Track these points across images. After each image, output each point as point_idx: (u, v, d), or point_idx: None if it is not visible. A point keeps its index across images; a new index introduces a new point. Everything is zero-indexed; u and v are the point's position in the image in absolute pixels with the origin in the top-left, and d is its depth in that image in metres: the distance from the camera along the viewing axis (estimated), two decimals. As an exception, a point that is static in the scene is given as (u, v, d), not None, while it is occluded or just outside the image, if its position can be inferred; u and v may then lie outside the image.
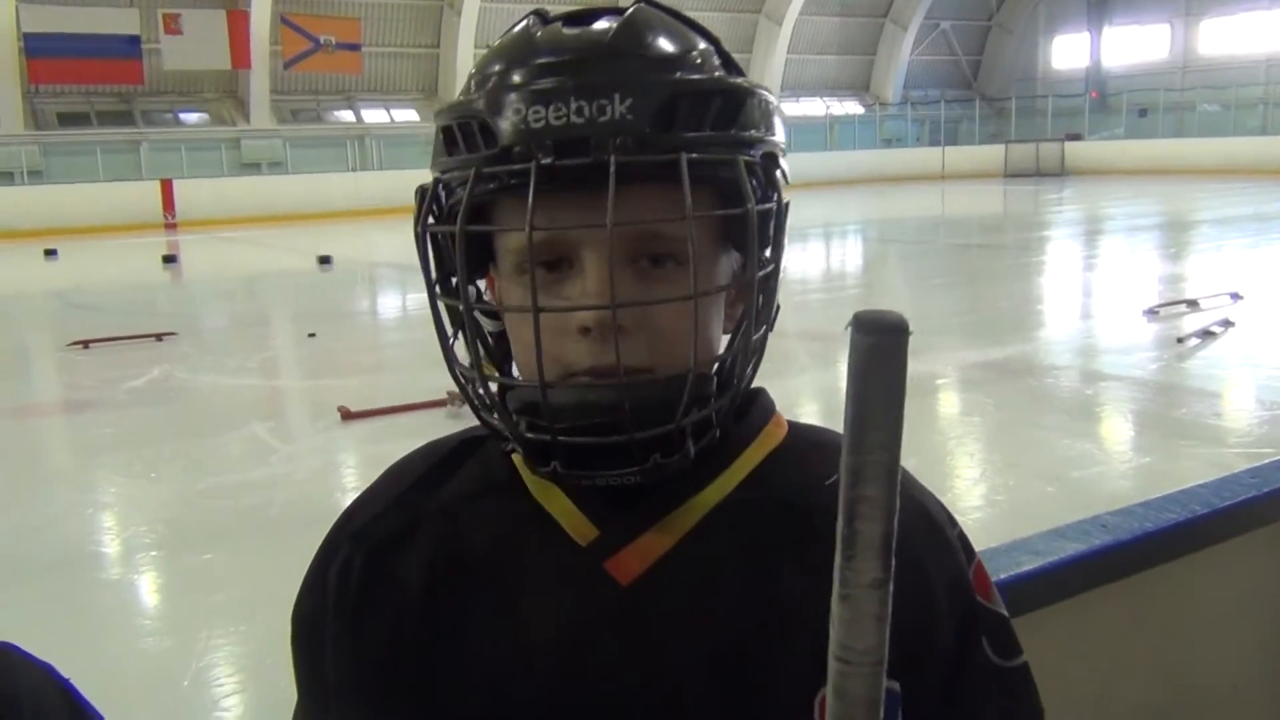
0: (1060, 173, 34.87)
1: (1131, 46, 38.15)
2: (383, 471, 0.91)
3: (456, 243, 0.73)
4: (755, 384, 0.83)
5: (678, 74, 0.74)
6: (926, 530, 0.82)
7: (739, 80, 0.76)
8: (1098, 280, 13.26)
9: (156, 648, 3.95)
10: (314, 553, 0.89)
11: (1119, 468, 5.63)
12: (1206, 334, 8.42)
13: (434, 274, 0.79)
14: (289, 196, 26.36)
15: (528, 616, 0.78)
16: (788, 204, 0.79)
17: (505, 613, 0.79)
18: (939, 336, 9.51)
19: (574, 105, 0.70)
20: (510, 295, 0.79)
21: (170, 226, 24.78)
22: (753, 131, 0.75)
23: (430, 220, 0.79)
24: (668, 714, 0.75)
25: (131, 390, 8.00)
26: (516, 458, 0.82)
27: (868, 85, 39.77)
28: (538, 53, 0.74)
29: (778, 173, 0.78)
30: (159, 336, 9.88)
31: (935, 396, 7.47)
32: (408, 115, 31.57)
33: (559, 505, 0.80)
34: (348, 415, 6.78)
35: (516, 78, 0.73)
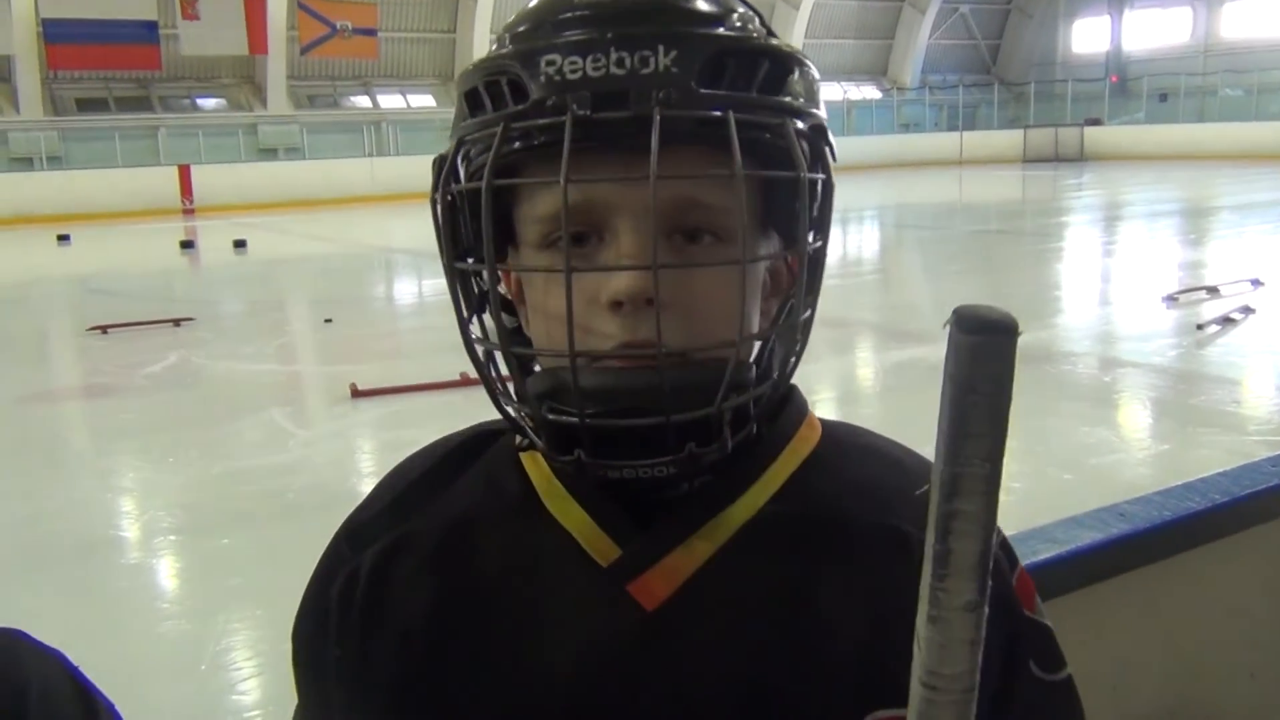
0: (1079, 158, 34.62)
1: (1152, 30, 37.78)
2: (383, 478, 0.86)
3: (482, 201, 0.66)
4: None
5: (724, 30, 0.69)
6: None
7: (787, 46, 0.70)
8: (1117, 266, 13.17)
9: (174, 631, 3.97)
10: (330, 537, 0.84)
11: (1137, 455, 5.60)
12: (1227, 321, 8.36)
13: (447, 243, 0.73)
14: (306, 182, 26.43)
15: (545, 642, 0.72)
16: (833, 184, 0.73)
17: (521, 638, 0.73)
18: (956, 323, 9.49)
19: (614, 56, 0.64)
20: (530, 282, 0.74)
21: (188, 212, 24.89)
22: (801, 100, 0.70)
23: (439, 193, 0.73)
24: None
25: (150, 375, 8.05)
26: (530, 463, 0.78)
27: (885, 70, 39.54)
28: (575, 5, 0.69)
29: (826, 148, 0.72)
30: (177, 322, 9.92)
31: (952, 383, 7.44)
32: (424, 100, 31.56)
33: (576, 520, 0.74)
34: (356, 393, 6.87)
35: (551, 30, 0.68)
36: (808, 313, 0.73)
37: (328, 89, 30.64)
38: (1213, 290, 9.63)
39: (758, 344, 0.76)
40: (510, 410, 0.73)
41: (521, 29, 0.71)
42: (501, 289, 0.77)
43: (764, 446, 0.75)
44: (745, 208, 0.66)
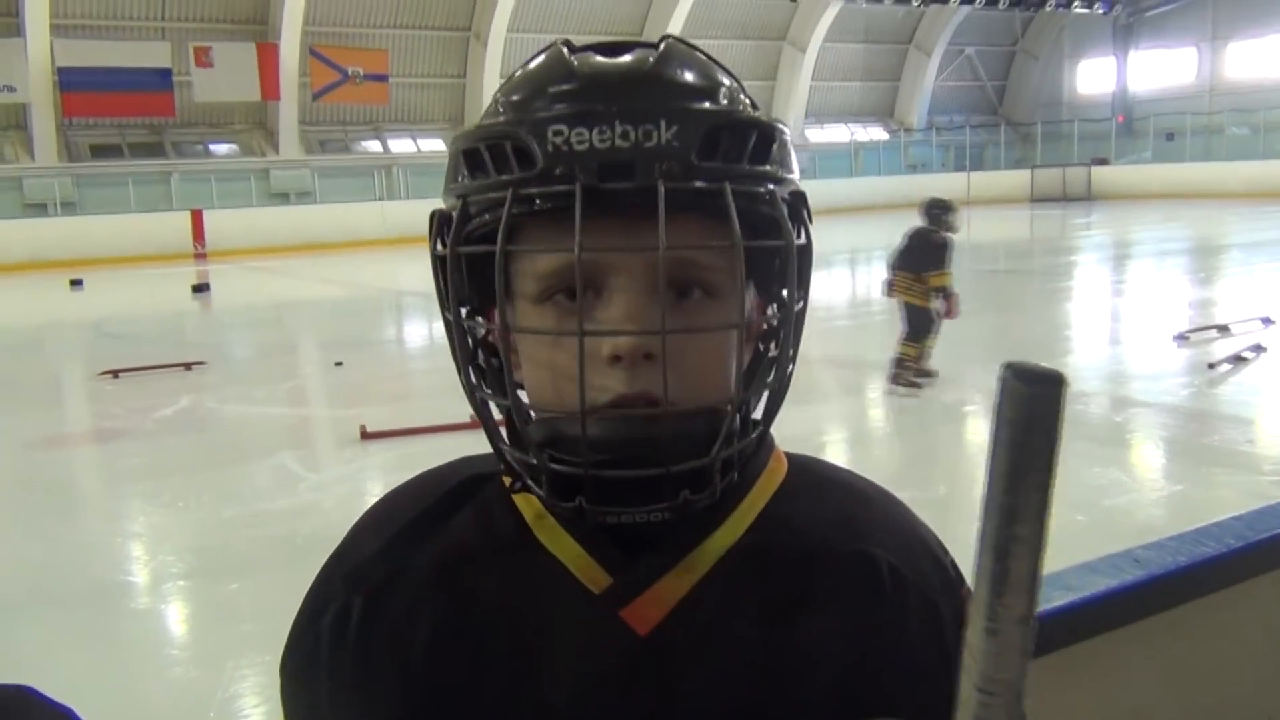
0: (1087, 197, 34.69)
1: (1158, 70, 37.98)
2: (366, 512, 0.88)
3: (495, 264, 0.70)
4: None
5: (716, 106, 0.74)
6: (934, 568, 0.82)
7: (769, 118, 0.75)
8: (1127, 305, 13.16)
9: (184, 677, 3.96)
10: (309, 592, 0.85)
11: (1150, 496, 5.56)
12: (1238, 359, 8.34)
13: (450, 299, 0.76)
14: (317, 226, 26.59)
15: (542, 669, 0.75)
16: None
17: (518, 666, 0.76)
18: (966, 364, 9.46)
19: (619, 129, 0.69)
20: (527, 324, 0.76)
21: (200, 256, 25.04)
22: (780, 169, 0.75)
23: (440, 246, 0.76)
24: None
25: (161, 419, 8.06)
26: (522, 501, 0.80)
27: (892, 111, 39.78)
28: (577, 77, 0.73)
29: (804, 212, 0.78)
30: (188, 366, 9.96)
31: (963, 424, 7.42)
32: (434, 145, 31.82)
33: (568, 551, 0.77)
34: (366, 435, 6.90)
35: (556, 100, 0.72)
36: (790, 366, 0.78)
37: (339, 134, 30.93)
38: (1224, 329, 9.61)
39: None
40: (513, 457, 0.75)
41: (521, 95, 0.75)
42: (483, 333, 0.81)
43: (738, 480, 0.79)
44: (741, 273, 0.72)
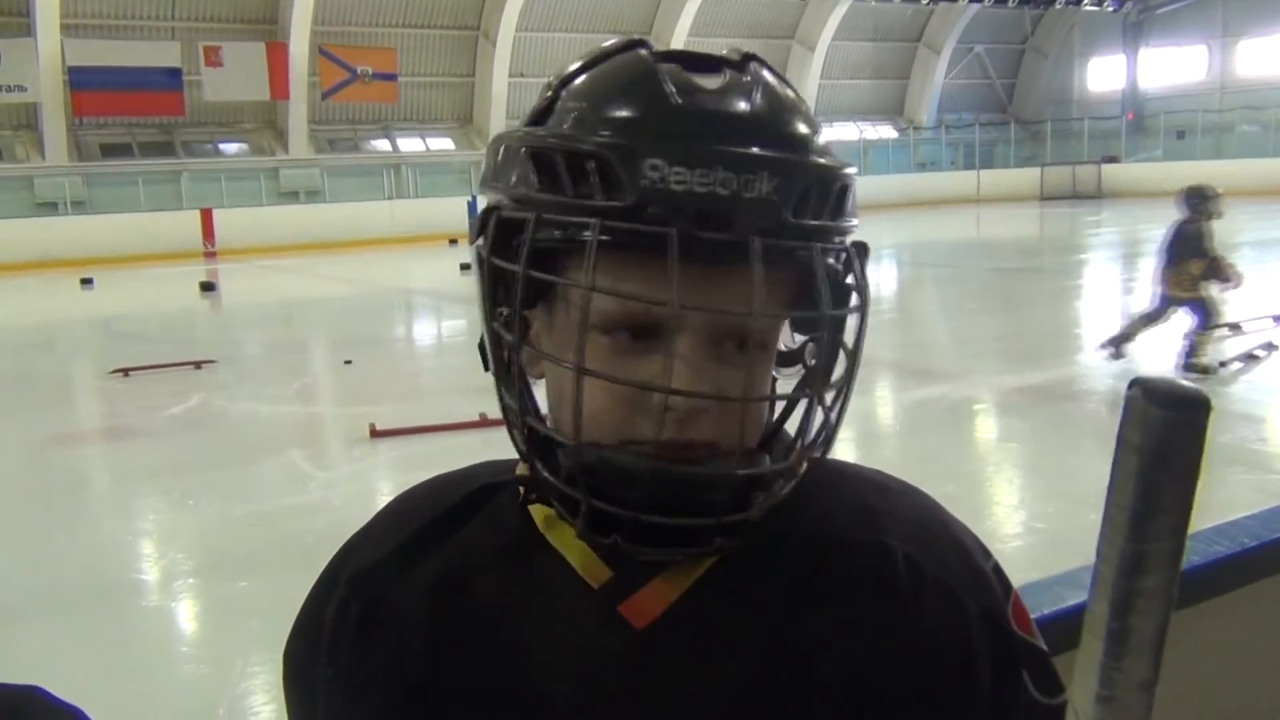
0: (1097, 195, 34.58)
1: (1168, 68, 37.84)
2: (382, 509, 0.87)
3: (580, 304, 0.67)
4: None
5: (811, 157, 0.71)
6: (956, 558, 0.78)
7: (850, 168, 0.73)
8: (1137, 303, 13.09)
9: (194, 675, 3.96)
10: (316, 583, 0.86)
11: (1162, 494, 5.53)
12: (1249, 358, 8.31)
13: (514, 321, 0.71)
14: (326, 225, 26.63)
15: (538, 662, 0.74)
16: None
17: (515, 658, 0.75)
18: (976, 361, 9.45)
19: (720, 175, 0.65)
20: (571, 346, 0.70)
21: (210, 255, 25.11)
22: (852, 220, 0.73)
23: (496, 255, 0.71)
24: None
25: (171, 418, 8.08)
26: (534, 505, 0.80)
27: (901, 109, 39.71)
28: (678, 108, 0.68)
29: (863, 263, 0.76)
30: (198, 364, 9.98)
31: (973, 422, 7.40)
32: (443, 144, 31.86)
33: (569, 544, 0.76)
34: (375, 434, 6.90)
35: (654, 129, 0.67)
36: (843, 415, 0.77)
37: (348, 133, 30.98)
38: (1235, 327, 9.56)
39: (774, 417, 0.81)
40: (556, 487, 0.73)
41: (603, 110, 0.70)
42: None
43: None
44: (825, 343, 0.74)
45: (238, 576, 4.83)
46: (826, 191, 0.70)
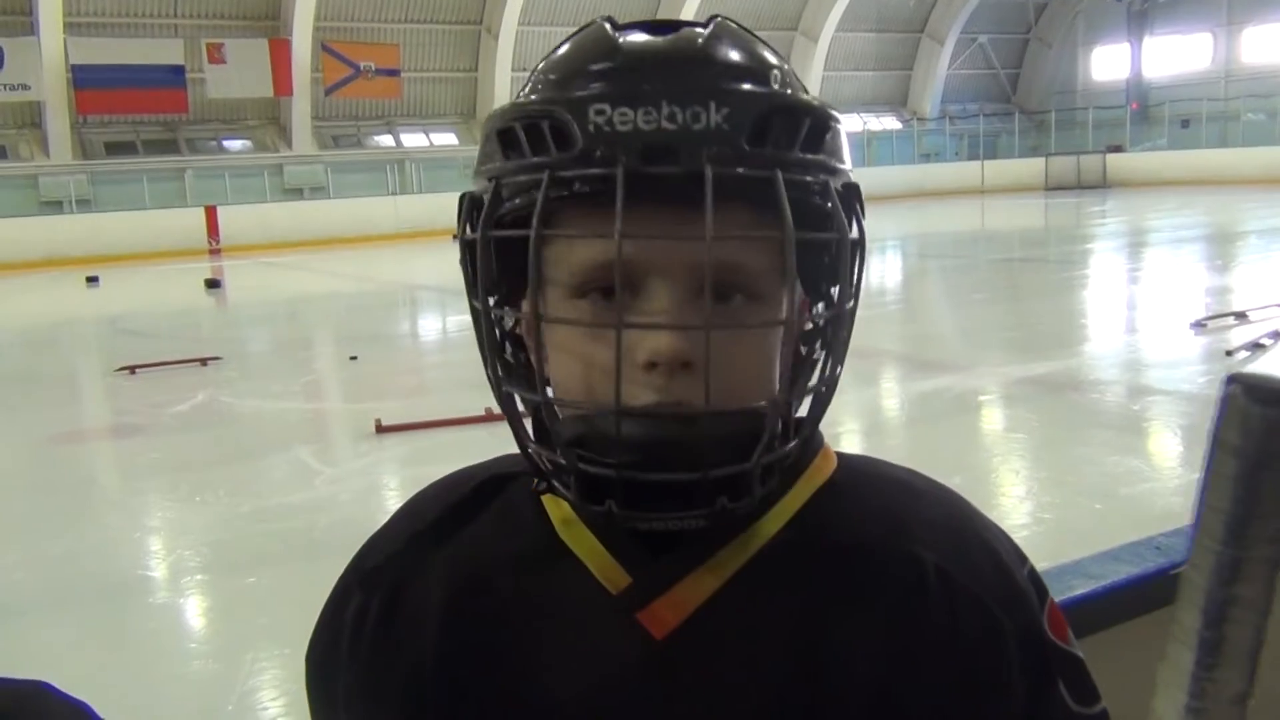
0: (1102, 185, 34.51)
1: (1173, 56, 37.73)
2: (400, 509, 0.86)
3: (529, 250, 0.65)
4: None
5: (769, 89, 0.69)
6: (990, 568, 0.75)
7: (823, 104, 0.70)
8: (1143, 293, 13.09)
9: (202, 671, 3.97)
10: (336, 584, 0.85)
11: (1169, 484, 5.53)
12: (1256, 346, 8.27)
13: (478, 287, 0.71)
14: (331, 221, 26.69)
15: (554, 669, 0.72)
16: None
17: (530, 665, 0.73)
18: (981, 352, 9.44)
19: (666, 110, 0.64)
20: (561, 327, 0.71)
21: (214, 252, 25.17)
22: (834, 159, 0.70)
23: (470, 230, 0.71)
24: None
25: (177, 415, 8.10)
26: (550, 503, 0.77)
27: (905, 100, 39.64)
28: (621, 53, 0.68)
29: (857, 206, 0.72)
30: (204, 361, 10.00)
31: (979, 413, 7.40)
32: (447, 139, 31.88)
33: (587, 548, 0.73)
34: (381, 429, 6.91)
35: (598, 78, 0.67)
36: (838, 369, 0.73)
37: (351, 129, 31.00)
38: (1241, 316, 9.54)
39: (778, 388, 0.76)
40: (537, 457, 0.72)
41: (561, 74, 0.70)
42: (511, 324, 0.77)
43: (780, 479, 0.74)
44: (792, 268, 0.66)
45: (245, 572, 4.84)
46: (794, 123, 0.67)
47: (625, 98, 0.65)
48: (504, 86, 30.67)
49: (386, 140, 31.47)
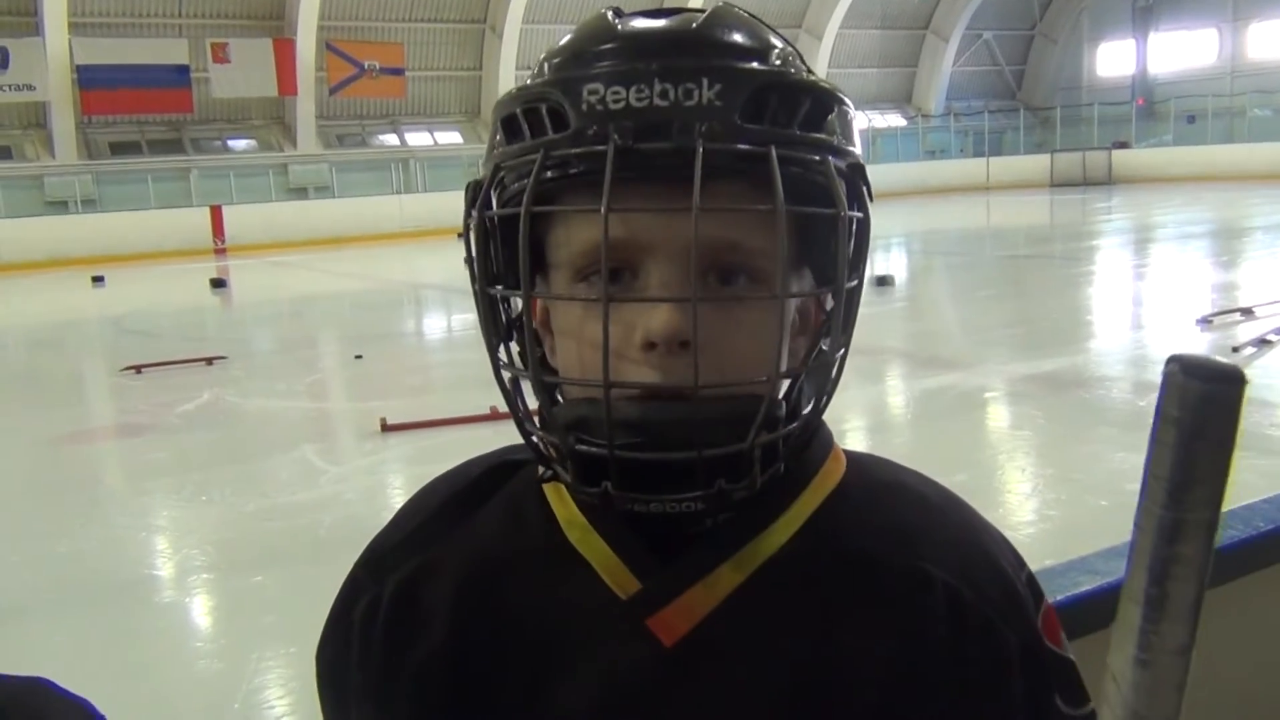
0: (1108, 181, 34.45)
1: (1178, 52, 37.65)
2: (406, 503, 0.86)
3: (520, 226, 0.65)
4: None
5: (766, 67, 0.68)
6: (998, 587, 0.75)
7: (828, 84, 0.70)
8: (1149, 289, 13.06)
9: (208, 670, 3.98)
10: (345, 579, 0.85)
11: (1175, 481, 5.52)
12: (1263, 342, 8.26)
13: (479, 270, 0.71)
14: (335, 220, 26.72)
15: (564, 675, 0.72)
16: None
17: (539, 670, 0.72)
18: (987, 349, 9.42)
19: (658, 87, 0.64)
20: (563, 311, 0.72)
21: (220, 252, 25.21)
22: (838, 139, 0.70)
23: (475, 214, 0.72)
24: None
25: (183, 414, 8.11)
26: (553, 495, 0.76)
27: (910, 97, 39.59)
28: (617, 36, 0.69)
29: (863, 187, 0.72)
30: (209, 360, 10.01)
31: (984, 410, 7.39)
32: (451, 138, 31.89)
33: (597, 552, 0.72)
34: (386, 428, 6.92)
35: (592, 59, 0.68)
36: (842, 350, 0.73)
37: (356, 128, 31.02)
38: (1247, 312, 9.52)
39: (787, 381, 0.75)
40: (536, 439, 0.72)
41: (561, 58, 0.71)
42: (518, 311, 0.77)
43: (789, 480, 0.74)
44: (783, 242, 0.65)
45: (251, 571, 4.84)
46: (792, 101, 0.67)
47: (618, 77, 0.65)
48: (508, 84, 30.46)
49: (391, 139, 31.49)
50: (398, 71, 29.71)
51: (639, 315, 0.67)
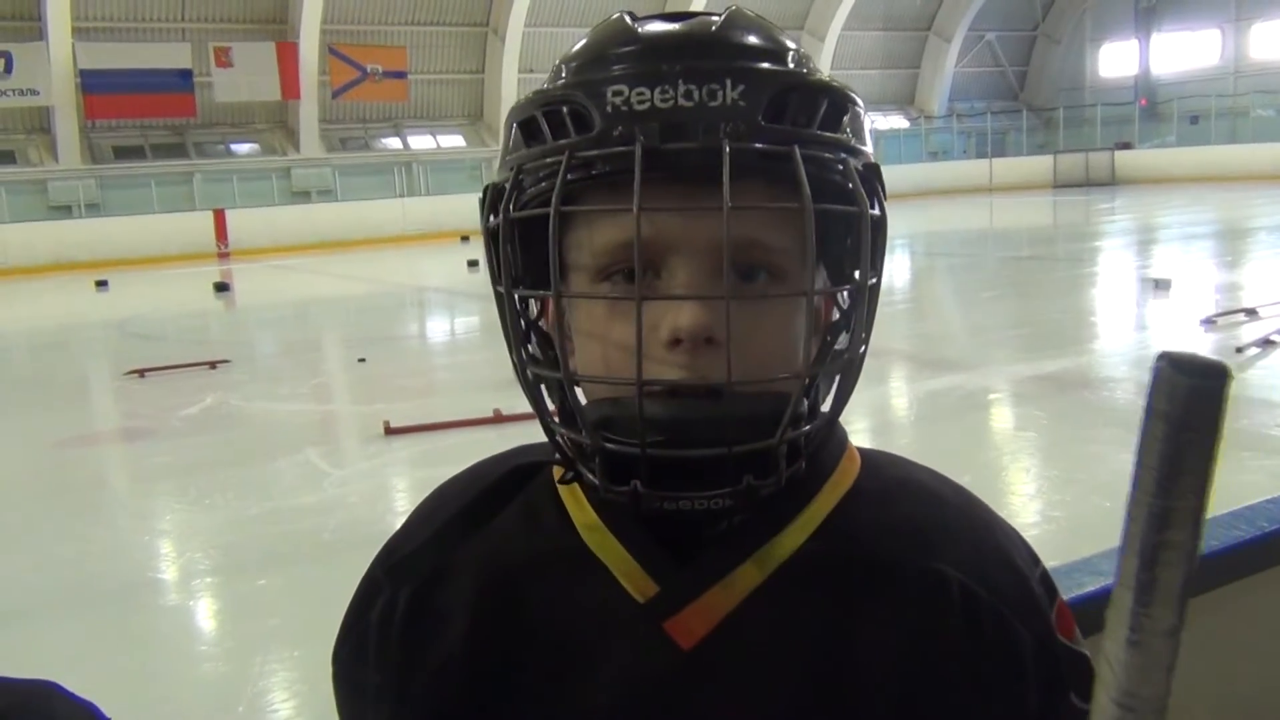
0: (1111, 182, 34.42)
1: (1181, 52, 37.63)
2: (423, 500, 0.87)
3: (550, 227, 0.65)
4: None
5: (785, 68, 0.70)
6: (1012, 585, 0.75)
7: (842, 86, 0.72)
8: (1152, 290, 13.04)
9: (212, 673, 3.98)
10: (361, 580, 0.85)
11: (1179, 481, 5.51)
12: (1267, 343, 8.24)
13: (501, 272, 0.72)
14: (339, 224, 26.74)
15: (582, 679, 0.72)
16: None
17: (557, 673, 0.73)
18: (991, 350, 9.42)
19: (682, 88, 0.65)
20: (585, 312, 0.72)
21: (223, 256, 25.23)
22: (854, 139, 0.71)
23: (493, 218, 0.72)
24: None
25: (186, 418, 8.11)
26: (569, 498, 0.77)
27: (912, 99, 39.58)
28: (639, 39, 0.70)
29: (879, 186, 0.73)
30: (213, 364, 10.01)
31: (988, 411, 7.38)
32: (454, 141, 31.91)
33: (614, 556, 0.73)
34: (390, 431, 6.91)
35: (616, 62, 0.68)
36: (863, 348, 0.73)
37: (359, 131, 31.05)
38: (1251, 312, 9.50)
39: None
40: (561, 439, 0.72)
41: (581, 61, 0.71)
42: (541, 322, 0.77)
43: (805, 480, 0.74)
44: (811, 239, 0.66)
45: (255, 575, 4.84)
46: (811, 102, 0.69)
47: (642, 78, 0.66)
48: (511, 88, 30.69)
49: (394, 143, 31.52)
50: (400, 75, 29.74)
51: (663, 313, 0.68)
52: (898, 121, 38.54)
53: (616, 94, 0.66)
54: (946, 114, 38.83)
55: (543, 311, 0.75)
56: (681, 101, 0.65)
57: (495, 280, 0.73)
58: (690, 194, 0.66)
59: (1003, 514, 0.83)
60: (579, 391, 0.73)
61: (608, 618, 0.72)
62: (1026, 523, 4.82)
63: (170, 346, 11.53)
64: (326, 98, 29.20)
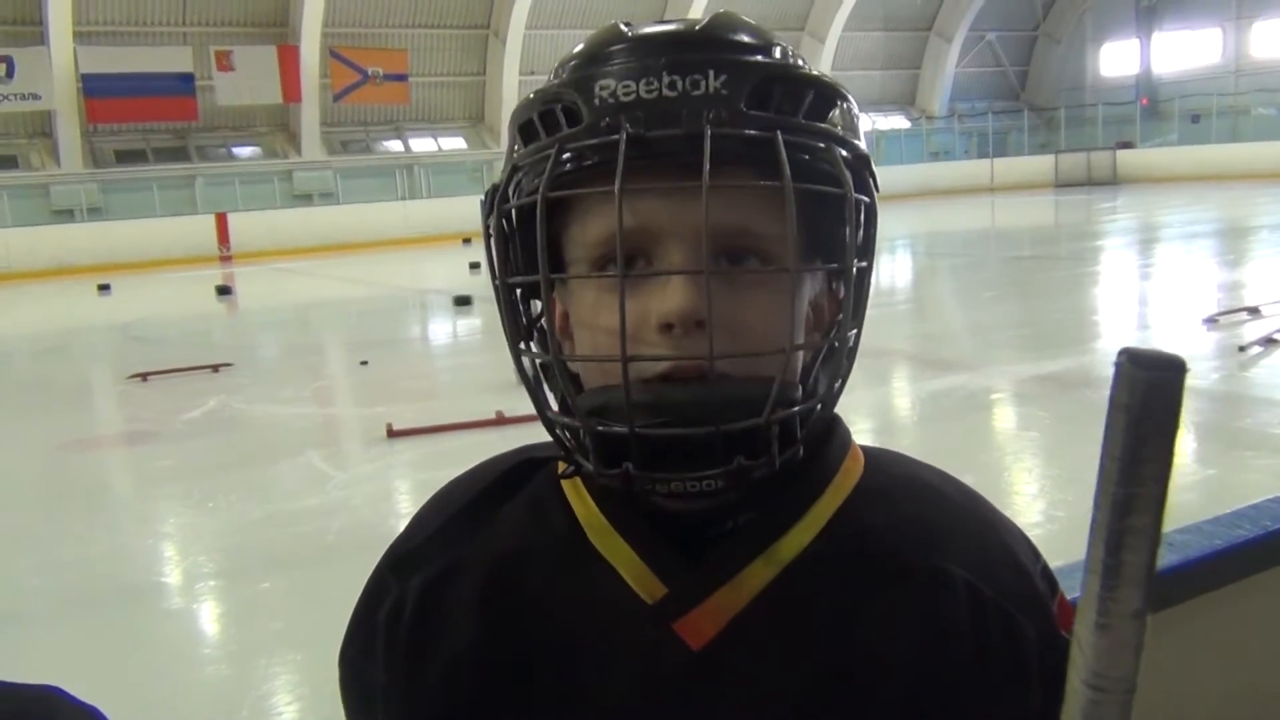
0: (1112, 181, 34.39)
1: (1182, 52, 37.58)
2: (426, 503, 0.87)
3: (537, 213, 0.67)
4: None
5: (770, 59, 0.71)
6: (1016, 581, 0.76)
7: (831, 79, 0.73)
8: (1155, 289, 13.04)
9: (216, 677, 3.98)
10: (368, 580, 0.85)
11: (1183, 480, 5.50)
12: (1269, 341, 8.23)
13: (499, 266, 0.74)
14: (340, 226, 26.75)
15: (591, 682, 0.72)
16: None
17: (567, 677, 0.73)
18: (993, 350, 9.41)
19: (666, 79, 0.68)
20: (579, 301, 0.74)
21: (225, 259, 25.24)
22: (843, 130, 0.73)
23: (493, 217, 0.74)
24: None
25: (189, 421, 8.12)
26: (574, 497, 0.77)
27: (913, 99, 39.56)
28: (628, 40, 0.72)
29: (869, 177, 0.74)
30: (215, 368, 10.02)
31: (990, 411, 7.37)
32: (455, 143, 31.92)
33: (623, 557, 0.73)
34: (393, 433, 6.92)
35: (604, 60, 0.71)
36: (855, 330, 0.74)
37: (360, 134, 31.07)
38: (1254, 311, 9.50)
39: (801, 360, 0.77)
40: (556, 427, 0.73)
41: (575, 62, 0.74)
42: (538, 312, 0.78)
43: (809, 480, 0.75)
44: (792, 217, 0.67)
45: (259, 578, 4.85)
46: (796, 92, 0.70)
47: (628, 72, 0.69)
48: (511, 90, 30.70)
49: (395, 145, 31.53)
50: (401, 78, 29.75)
51: (654, 300, 0.69)
52: (899, 122, 38.53)
53: (604, 88, 0.69)
54: (948, 114, 38.80)
55: (545, 295, 0.76)
56: (666, 92, 0.68)
57: (494, 274, 0.75)
58: (678, 180, 0.67)
59: (1006, 514, 0.83)
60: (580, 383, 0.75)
61: (616, 617, 0.73)
62: (1029, 522, 4.82)
63: (173, 350, 11.54)
64: (328, 101, 29.21)
